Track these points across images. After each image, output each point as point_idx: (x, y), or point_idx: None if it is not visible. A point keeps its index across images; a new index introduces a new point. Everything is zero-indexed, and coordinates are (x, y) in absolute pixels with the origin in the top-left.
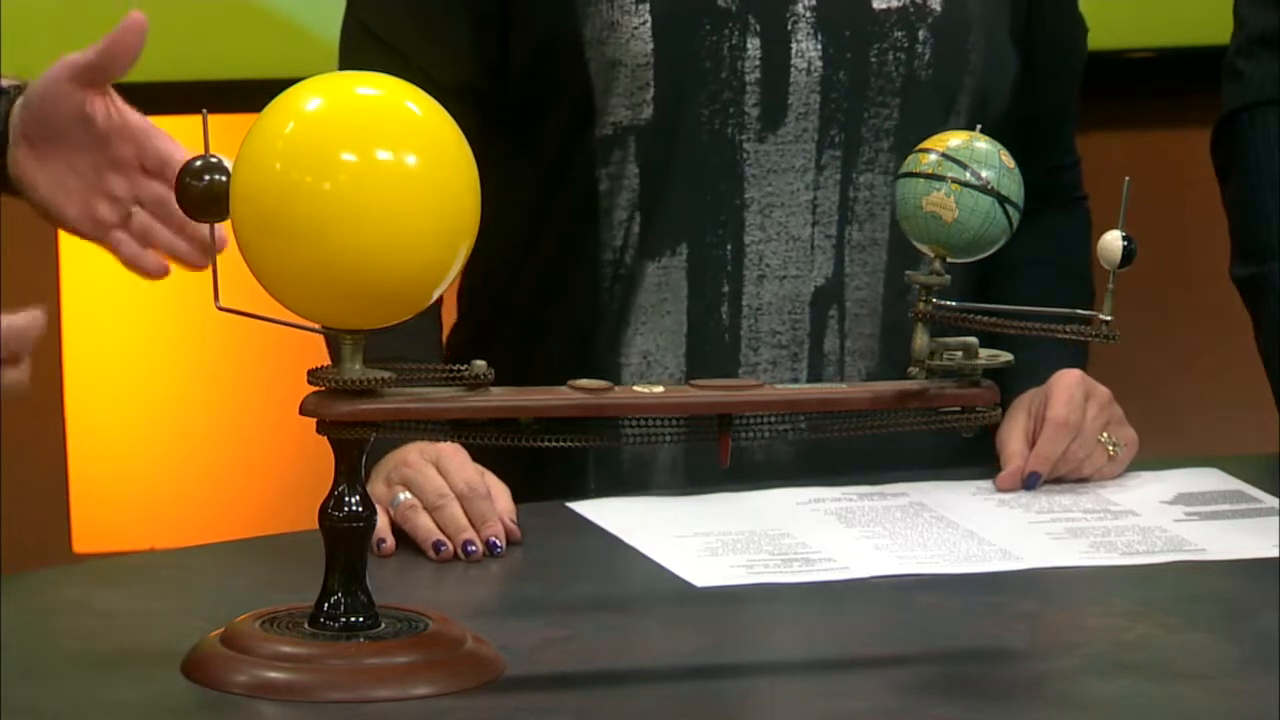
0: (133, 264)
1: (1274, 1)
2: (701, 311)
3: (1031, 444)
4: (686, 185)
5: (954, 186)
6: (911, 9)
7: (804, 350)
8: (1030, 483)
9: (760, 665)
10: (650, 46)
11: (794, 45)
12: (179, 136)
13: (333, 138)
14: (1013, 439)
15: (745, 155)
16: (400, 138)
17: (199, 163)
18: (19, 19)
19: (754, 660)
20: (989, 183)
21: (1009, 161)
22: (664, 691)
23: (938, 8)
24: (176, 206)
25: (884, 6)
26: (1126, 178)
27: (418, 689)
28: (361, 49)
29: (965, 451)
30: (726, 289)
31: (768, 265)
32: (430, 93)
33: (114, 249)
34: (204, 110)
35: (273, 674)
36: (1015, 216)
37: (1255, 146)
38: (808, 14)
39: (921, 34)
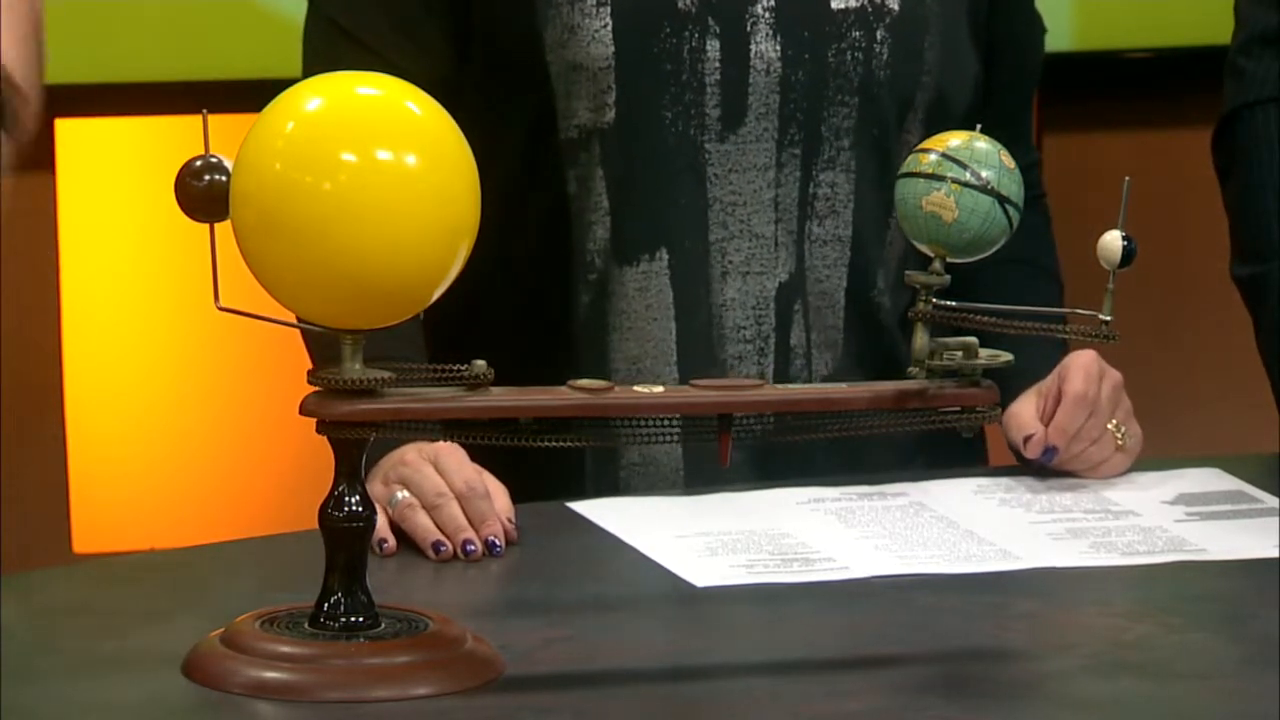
0: None
1: (1275, 1)
2: (686, 314)
3: (1045, 422)
4: (654, 187)
5: (954, 186)
6: (870, 9)
7: (770, 344)
8: (1048, 457)
9: (760, 665)
10: (611, 49)
11: (753, 46)
12: (179, 136)
13: (333, 138)
14: (1024, 412)
15: (707, 155)
16: (400, 138)
17: (199, 163)
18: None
19: (754, 660)
20: (989, 183)
21: (1009, 161)
22: (663, 691)
23: (896, 7)
24: None
25: (842, 6)
26: (1126, 178)
27: (418, 689)
28: (330, 45)
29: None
30: (697, 288)
31: (730, 262)
32: None
33: None
34: (204, 110)
35: (273, 674)
36: (1015, 216)
37: (1256, 146)
38: (766, 15)
39: (879, 34)
